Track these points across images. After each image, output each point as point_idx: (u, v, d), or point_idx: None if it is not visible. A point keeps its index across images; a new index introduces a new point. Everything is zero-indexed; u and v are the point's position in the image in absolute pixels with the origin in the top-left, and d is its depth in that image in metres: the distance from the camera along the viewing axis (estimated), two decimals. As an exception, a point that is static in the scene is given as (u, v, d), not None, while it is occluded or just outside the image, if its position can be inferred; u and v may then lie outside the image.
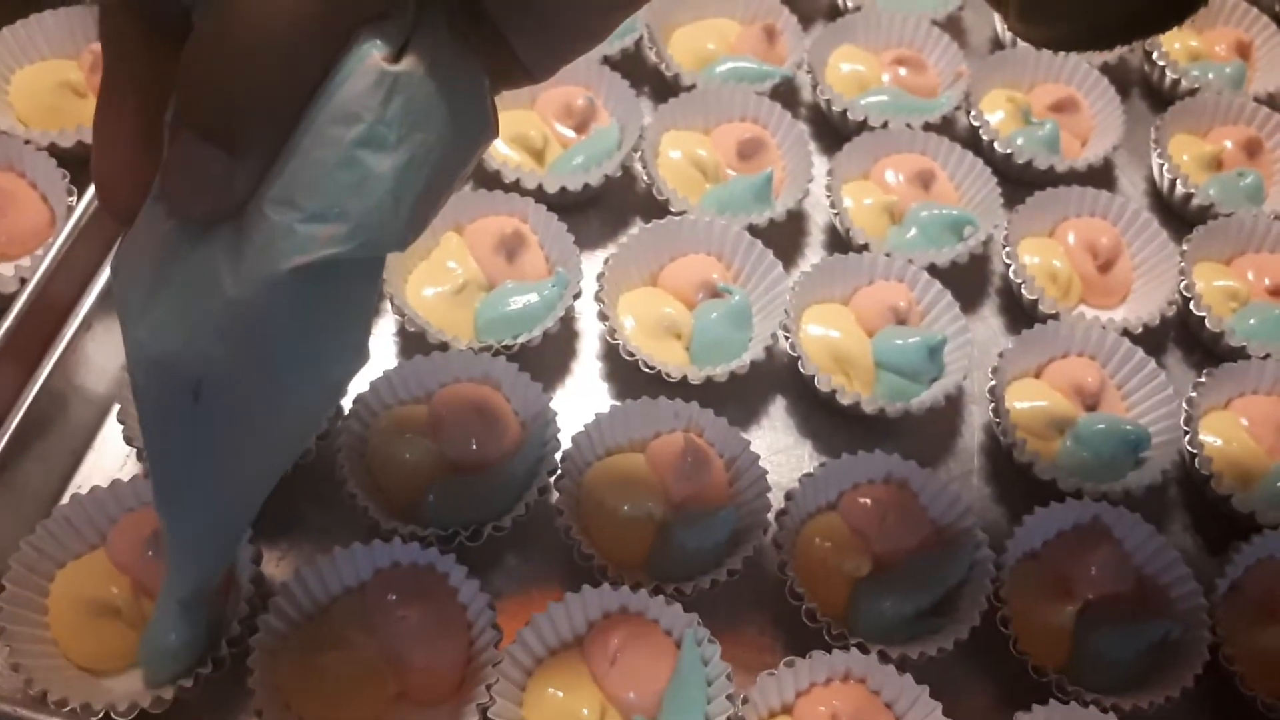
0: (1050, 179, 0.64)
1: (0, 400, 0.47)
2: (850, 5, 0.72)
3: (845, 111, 0.65)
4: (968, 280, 0.61)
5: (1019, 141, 0.65)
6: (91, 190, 0.52)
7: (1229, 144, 0.66)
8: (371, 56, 0.25)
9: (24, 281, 0.50)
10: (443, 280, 0.54)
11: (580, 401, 0.54)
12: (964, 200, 0.63)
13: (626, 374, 0.55)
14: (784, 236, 0.61)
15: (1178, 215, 0.66)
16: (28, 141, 0.56)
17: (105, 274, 0.51)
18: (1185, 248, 0.60)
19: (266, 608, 0.42)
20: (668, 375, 0.52)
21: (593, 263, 0.57)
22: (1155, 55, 0.71)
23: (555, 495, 0.48)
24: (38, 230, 0.55)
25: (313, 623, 0.43)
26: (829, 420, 0.55)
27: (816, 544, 0.48)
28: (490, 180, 0.59)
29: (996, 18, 0.74)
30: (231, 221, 0.27)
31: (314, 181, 0.25)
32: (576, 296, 0.54)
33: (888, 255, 0.57)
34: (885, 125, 0.64)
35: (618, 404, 0.50)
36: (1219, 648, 0.46)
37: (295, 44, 0.25)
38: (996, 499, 0.54)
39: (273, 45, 0.24)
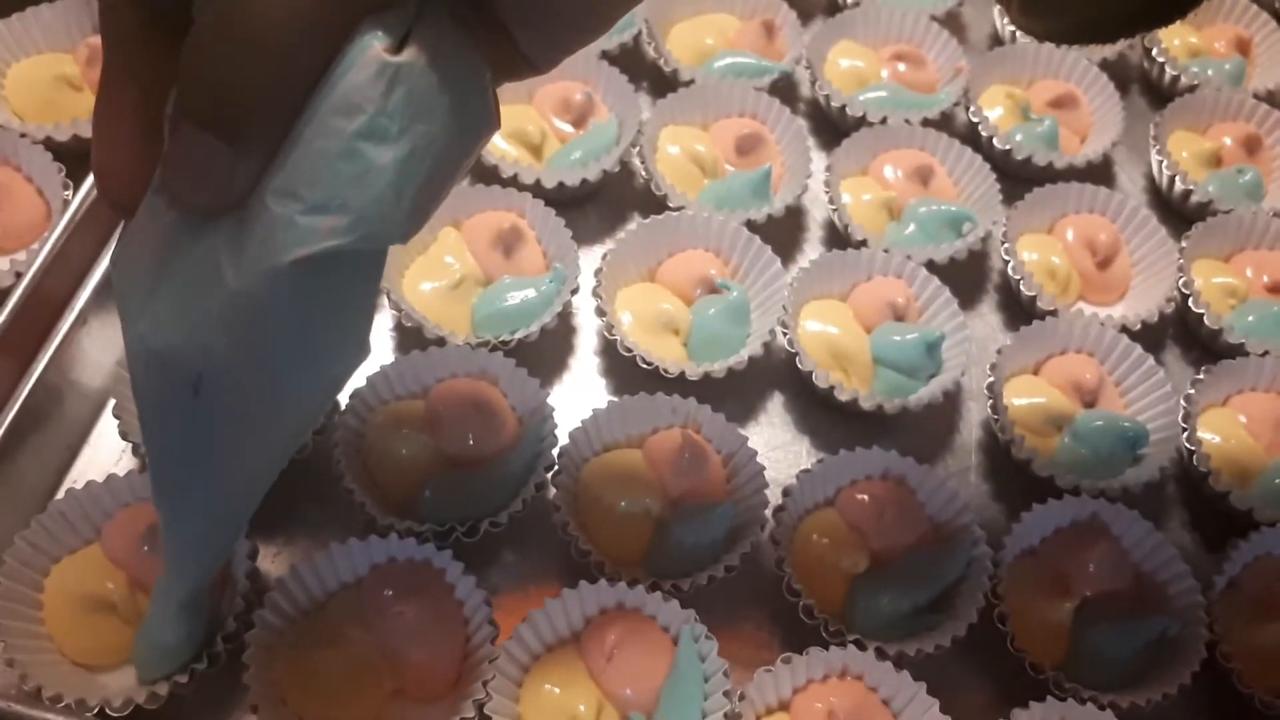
0: (1049, 175, 0.64)
1: (-5, 395, 0.46)
2: (849, 1, 0.72)
3: (844, 107, 0.65)
4: (966, 276, 0.61)
5: (1018, 137, 0.65)
6: (87, 184, 0.52)
7: (1228, 141, 0.66)
8: (373, 48, 0.25)
9: (19, 275, 0.49)
10: (440, 275, 0.54)
11: (578, 397, 0.54)
12: (963, 196, 0.63)
13: (624, 370, 0.55)
14: (782, 232, 0.61)
15: (1177, 212, 0.66)
16: (23, 135, 0.56)
17: (101, 268, 0.51)
18: (1184, 244, 0.60)
19: (263, 604, 0.42)
20: (665, 371, 0.52)
21: (590, 258, 0.57)
22: (1155, 51, 0.71)
23: (552, 491, 0.47)
24: (33, 224, 0.55)
25: (309, 619, 0.43)
26: (827, 416, 0.55)
27: (814, 540, 0.48)
28: (488, 175, 0.59)
29: (996, 12, 0.74)
30: (233, 214, 0.26)
31: (315, 173, 0.25)
32: (574, 292, 0.54)
33: (886, 251, 0.57)
34: (884, 121, 0.64)
35: (615, 400, 0.50)
36: (1216, 645, 0.46)
37: (296, 35, 0.25)
38: (994, 496, 0.54)
39: (274, 36, 0.24)
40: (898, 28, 0.70)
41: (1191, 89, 0.69)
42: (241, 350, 0.27)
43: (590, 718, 0.41)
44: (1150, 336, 0.58)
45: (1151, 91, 0.73)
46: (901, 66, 0.68)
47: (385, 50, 0.25)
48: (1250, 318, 0.58)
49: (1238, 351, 0.57)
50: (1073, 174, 0.64)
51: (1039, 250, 0.60)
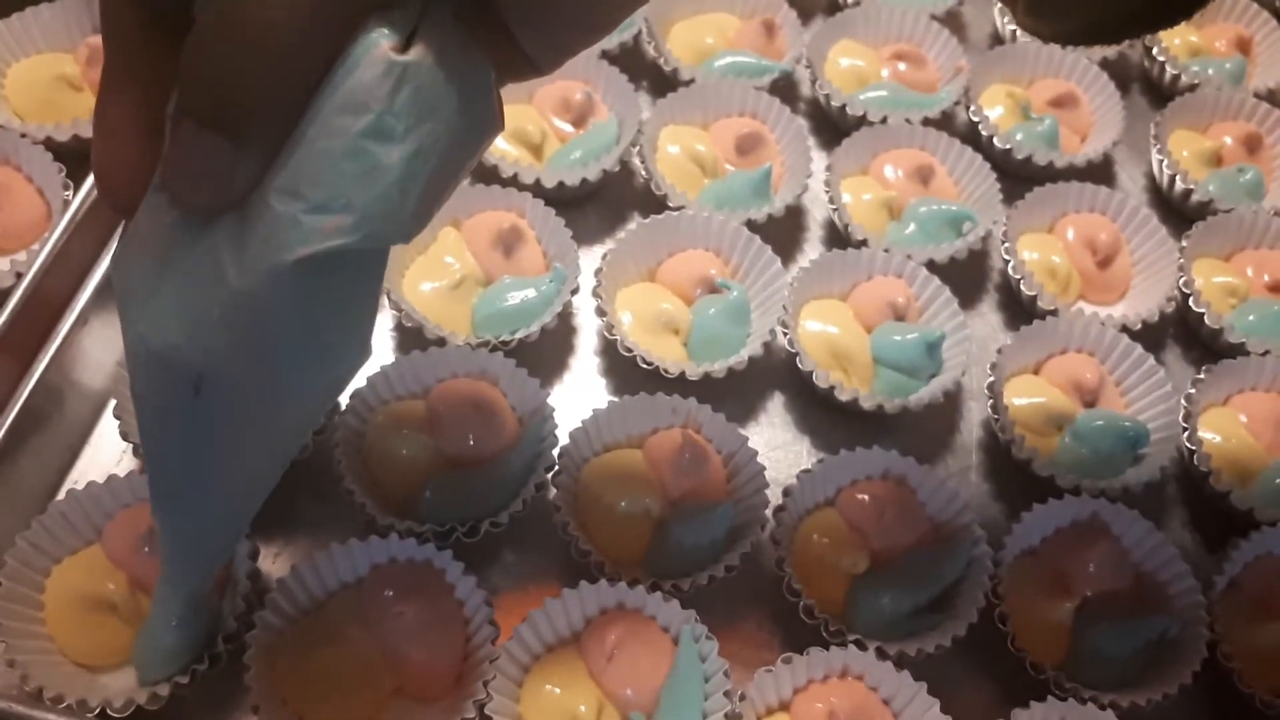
0: (1049, 174, 0.64)
1: (-4, 395, 0.46)
2: (849, 0, 0.71)
3: (844, 106, 0.65)
4: (966, 276, 0.61)
5: (1018, 137, 0.65)
6: (88, 184, 0.52)
7: (1229, 140, 0.66)
8: (380, 46, 0.25)
9: (20, 276, 0.49)
10: (440, 275, 0.54)
11: (578, 397, 0.54)
12: (963, 196, 0.63)
13: (624, 370, 0.55)
14: (782, 232, 0.61)
15: (1177, 211, 0.66)
16: (24, 135, 0.56)
17: (101, 269, 0.51)
18: (1184, 244, 0.60)
19: (263, 604, 0.42)
20: (665, 371, 0.52)
21: (590, 258, 0.57)
22: (1155, 51, 0.71)
23: (553, 491, 0.47)
24: (33, 224, 0.55)
25: (310, 619, 0.43)
26: (827, 416, 0.55)
27: (814, 540, 0.48)
28: (488, 175, 0.59)
29: (997, 11, 0.74)
30: (234, 213, 0.26)
31: (320, 172, 0.25)
32: (574, 292, 0.54)
33: (886, 251, 0.57)
34: (884, 120, 0.64)
35: (615, 400, 0.50)
36: (1217, 645, 0.46)
37: (298, 33, 0.24)
38: (995, 495, 0.54)
39: (275, 34, 0.24)
40: (898, 27, 0.70)
41: (1192, 88, 0.69)
42: (243, 349, 0.27)
43: (591, 718, 0.41)
44: (1151, 336, 0.58)
45: (1152, 90, 0.73)
46: (902, 66, 0.68)
47: (392, 48, 0.25)
48: (1251, 317, 0.58)
49: (1238, 351, 0.57)
50: (1073, 173, 0.64)
51: (1039, 250, 0.60)
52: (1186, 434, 0.53)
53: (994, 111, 0.67)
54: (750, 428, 0.55)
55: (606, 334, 0.53)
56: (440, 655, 0.42)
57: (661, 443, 0.49)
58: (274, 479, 0.33)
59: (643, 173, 0.60)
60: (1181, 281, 0.59)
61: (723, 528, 0.47)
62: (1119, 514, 0.49)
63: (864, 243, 0.58)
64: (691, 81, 0.64)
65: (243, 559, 0.43)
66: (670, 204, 0.59)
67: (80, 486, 0.45)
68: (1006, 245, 0.59)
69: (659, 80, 0.67)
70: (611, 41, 0.65)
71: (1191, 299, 0.58)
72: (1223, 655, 0.46)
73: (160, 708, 0.41)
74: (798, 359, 0.53)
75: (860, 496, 0.49)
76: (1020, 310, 0.60)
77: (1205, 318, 0.58)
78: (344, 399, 0.49)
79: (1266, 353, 0.56)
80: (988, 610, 0.46)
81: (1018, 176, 0.64)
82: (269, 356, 0.28)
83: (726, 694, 0.42)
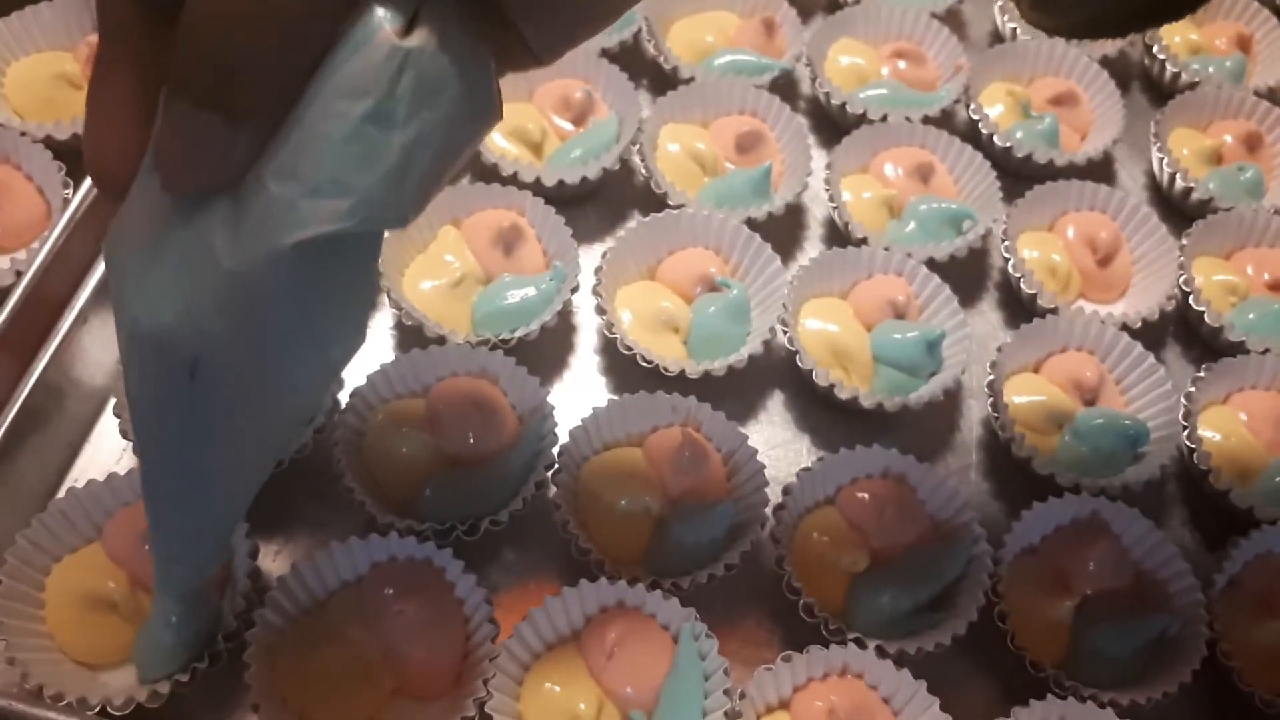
0: (1049, 173, 0.64)
1: (-4, 394, 0.46)
2: (850, -2, 0.72)
3: (844, 105, 0.65)
4: (966, 274, 0.61)
5: (1018, 135, 0.65)
6: (88, 183, 0.52)
7: (1229, 138, 0.66)
8: (383, 30, 0.25)
9: (19, 274, 0.49)
10: (440, 274, 0.54)
11: (578, 396, 0.54)
12: (963, 194, 0.63)
13: (624, 368, 0.55)
14: (782, 230, 0.61)
15: (1177, 209, 0.66)
16: (23, 134, 0.56)
17: (101, 267, 0.51)
18: (1185, 242, 0.60)
19: (263, 603, 0.42)
20: (665, 369, 0.52)
21: (590, 256, 0.57)
22: (1155, 49, 0.71)
23: (552, 490, 0.47)
24: (33, 223, 0.55)
25: (310, 618, 0.43)
26: (827, 415, 0.55)
27: (814, 539, 0.48)
28: (488, 173, 0.59)
29: (997, 9, 0.74)
30: (228, 196, 0.26)
31: (319, 155, 0.25)
32: (574, 290, 0.54)
33: (886, 249, 0.57)
34: (884, 118, 0.64)
35: (615, 398, 0.50)
36: (1217, 643, 0.46)
37: (299, 11, 0.24)
38: (995, 494, 0.54)
39: (275, 11, 0.24)
40: (898, 25, 0.70)
41: (1192, 86, 0.69)
42: (239, 332, 0.27)
43: (591, 716, 0.41)
44: (1151, 334, 0.58)
45: (1152, 89, 0.73)
46: (902, 64, 0.68)
47: (395, 33, 0.25)
48: (1251, 315, 0.58)
49: (1238, 349, 0.57)
50: (1073, 171, 0.64)
51: (1039, 248, 0.60)
52: (1186, 432, 0.53)
53: (994, 110, 0.66)
54: (750, 426, 0.55)
55: (606, 332, 0.53)
56: (440, 653, 0.42)
57: (661, 441, 0.49)
58: (267, 471, 0.33)
59: (643, 171, 0.60)
60: (1181, 280, 0.59)
61: (722, 526, 0.47)
62: (1119, 512, 0.49)
63: (864, 241, 0.58)
64: (691, 80, 0.64)
65: (243, 558, 0.43)
66: (670, 202, 0.59)
67: (80, 484, 0.45)
68: (1006, 243, 0.59)
69: (659, 78, 0.67)
70: (611, 40, 0.65)
71: (1191, 297, 0.58)
72: (1222, 654, 0.46)
73: (160, 706, 0.41)
74: (798, 357, 0.53)
75: (860, 495, 0.49)
76: (1020, 308, 0.60)
77: (1205, 316, 0.58)
78: (344, 397, 0.49)
79: (1266, 351, 0.56)
80: (987, 609, 0.46)
81: (1018, 175, 0.64)
82: (264, 339, 0.27)
83: (726, 692, 0.42)
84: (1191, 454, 0.53)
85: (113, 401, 0.49)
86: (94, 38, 0.61)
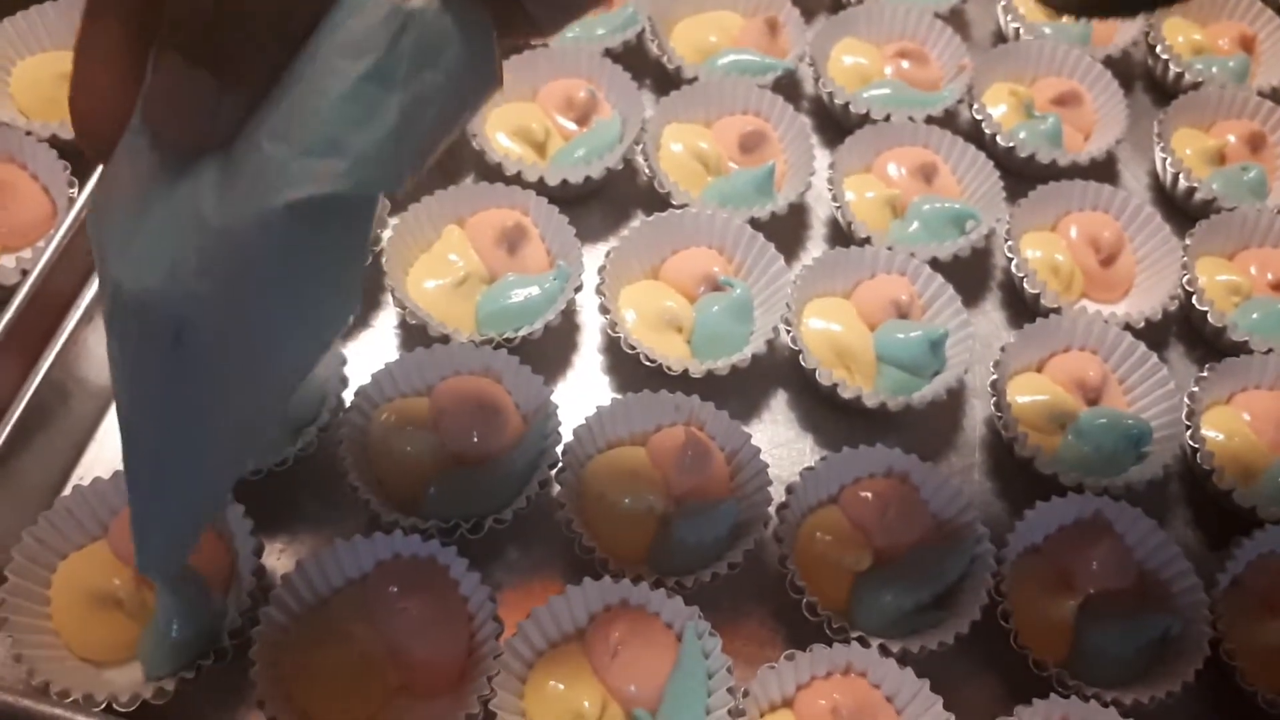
0: (1053, 173, 0.64)
1: (2, 392, 0.47)
2: (853, -2, 0.72)
3: (847, 104, 0.65)
4: (969, 274, 0.61)
5: (1021, 135, 0.65)
6: (93, 182, 0.52)
7: (1232, 138, 0.66)
8: None
9: (25, 273, 0.50)
10: (444, 273, 0.54)
11: (581, 394, 0.54)
12: (966, 194, 0.63)
13: (627, 367, 0.55)
14: (785, 230, 0.61)
15: (1180, 210, 0.66)
16: (29, 133, 0.56)
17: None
18: (1188, 242, 0.60)
19: (268, 600, 0.42)
20: (669, 369, 0.52)
21: (594, 256, 0.57)
22: (1159, 49, 0.71)
23: (556, 488, 0.48)
24: (39, 222, 0.55)
25: (314, 615, 0.43)
26: (830, 414, 0.55)
27: (817, 538, 0.48)
28: (491, 173, 0.59)
29: (1000, 9, 0.74)
30: (217, 156, 0.25)
31: (315, 114, 0.24)
32: (578, 289, 0.54)
33: (889, 249, 0.57)
34: (887, 118, 0.64)
35: (619, 397, 0.50)
36: (1220, 643, 0.46)
37: None
38: (998, 493, 0.54)
39: None
40: (901, 25, 0.70)
41: (1196, 86, 0.69)
42: (226, 295, 0.26)
43: (595, 714, 0.41)
44: (1154, 334, 0.58)
45: (1155, 89, 0.73)
46: (905, 64, 0.68)
47: None
48: (1254, 315, 0.58)
49: (1241, 349, 0.57)
50: (1076, 171, 0.64)
51: (1042, 248, 0.60)
52: (1189, 432, 0.53)
53: (997, 109, 0.67)
54: (753, 425, 0.55)
55: (610, 331, 0.54)
56: (444, 651, 0.43)
57: (665, 440, 0.49)
58: (254, 446, 0.32)
59: (646, 171, 0.60)
60: (1185, 280, 0.59)
61: (726, 525, 0.47)
62: (1122, 512, 0.49)
63: (867, 241, 0.58)
64: (695, 80, 0.64)
65: (248, 555, 0.43)
66: (673, 202, 0.59)
67: (86, 482, 0.45)
68: (1010, 243, 0.59)
69: (662, 78, 0.67)
70: (615, 39, 0.66)
71: (1195, 297, 0.58)
72: (1225, 653, 0.46)
73: (166, 703, 0.41)
74: (801, 357, 0.53)
75: (863, 494, 0.49)
76: (1023, 308, 0.61)
77: (1208, 316, 0.58)
78: (348, 396, 0.49)
79: (1269, 351, 0.56)
80: (990, 608, 0.46)
81: (1021, 175, 0.64)
82: (252, 303, 0.26)
83: (730, 690, 0.42)
84: (1194, 454, 0.53)
85: (118, 400, 0.49)
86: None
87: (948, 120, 0.66)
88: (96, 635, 0.43)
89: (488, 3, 0.28)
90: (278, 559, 0.48)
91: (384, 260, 0.53)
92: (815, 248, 0.62)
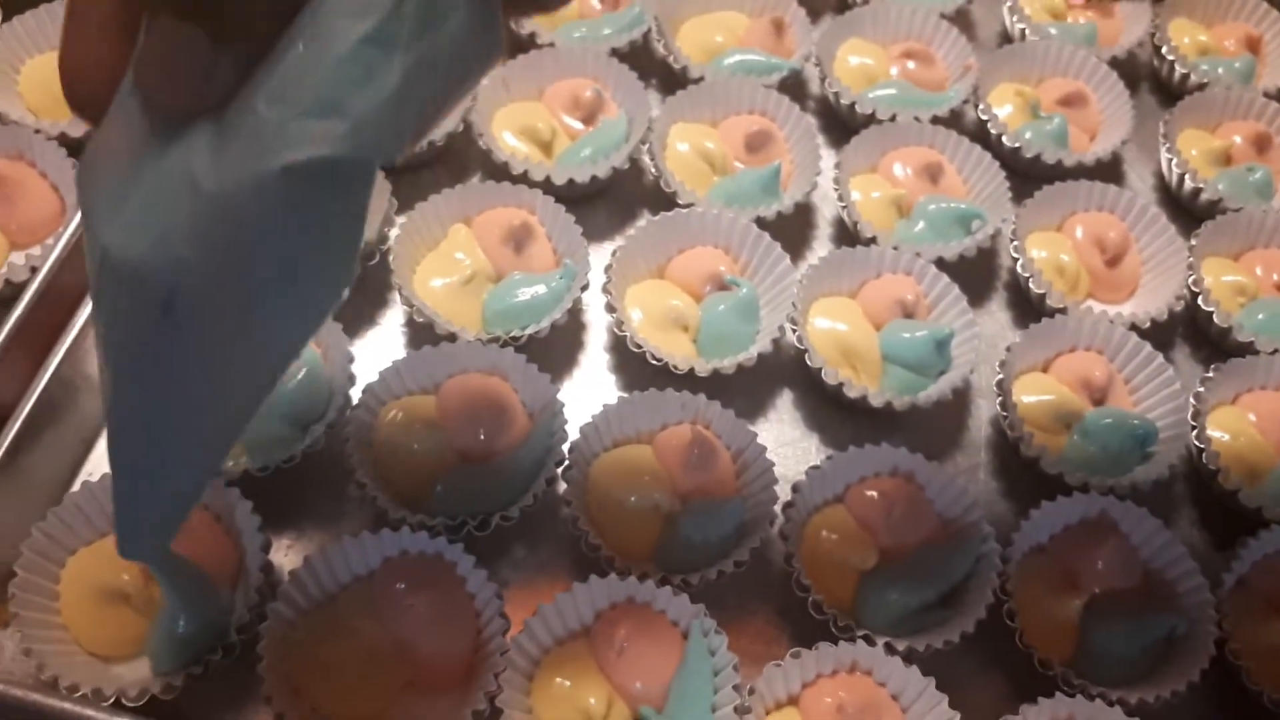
0: (1058, 173, 0.64)
1: (11, 388, 0.47)
2: (859, -2, 0.72)
3: (853, 104, 0.65)
4: (975, 274, 0.61)
5: (1027, 135, 0.65)
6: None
7: (1238, 139, 0.66)
8: None
9: (34, 270, 0.50)
10: (451, 271, 0.54)
11: (588, 393, 0.55)
12: (972, 194, 0.63)
13: (634, 366, 0.55)
14: (791, 229, 0.61)
15: (1186, 210, 0.66)
16: (38, 131, 0.56)
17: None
18: (1194, 243, 0.60)
19: (276, 596, 0.42)
20: (675, 367, 0.52)
21: (600, 255, 0.57)
22: (1164, 50, 0.71)
23: (563, 486, 0.48)
24: (48, 219, 0.55)
25: (322, 611, 0.44)
26: (836, 413, 0.55)
27: (823, 536, 0.48)
28: (498, 172, 0.59)
29: (1005, 10, 0.74)
30: (211, 119, 0.25)
31: (314, 76, 0.23)
32: (584, 288, 0.54)
33: (895, 248, 0.57)
34: (893, 118, 0.64)
35: (625, 395, 0.50)
36: (1225, 642, 0.46)
37: None
38: (1003, 493, 0.54)
39: None
40: (907, 25, 0.70)
41: (1201, 87, 0.69)
42: (218, 264, 0.25)
43: (601, 711, 0.41)
44: (1159, 334, 0.58)
45: (1161, 89, 0.73)
46: (911, 64, 0.68)
47: None
48: (1260, 316, 0.58)
49: (1247, 350, 0.57)
50: (1082, 172, 0.64)
51: (1048, 248, 0.60)
52: (1195, 432, 0.53)
53: (1003, 110, 0.67)
54: (759, 424, 0.55)
55: (616, 330, 0.54)
56: (451, 647, 0.43)
57: (671, 438, 0.49)
58: (243, 424, 0.30)
59: (652, 170, 0.60)
60: (1190, 280, 0.59)
61: (732, 523, 0.47)
62: (1128, 512, 0.49)
63: (873, 240, 0.59)
64: (701, 79, 0.64)
65: (255, 552, 0.43)
66: (680, 201, 0.59)
67: (95, 479, 0.45)
68: (1015, 243, 0.59)
69: (668, 78, 0.67)
70: (621, 39, 0.66)
71: (1200, 298, 0.58)
72: (1231, 653, 0.46)
73: (174, 697, 0.41)
74: (807, 356, 0.53)
75: (869, 493, 0.49)
76: (1029, 308, 0.61)
77: (1214, 316, 0.58)
78: (355, 394, 0.49)
79: (1275, 351, 0.56)
80: (996, 607, 0.46)
81: (1026, 175, 0.64)
82: (244, 270, 0.25)
83: (736, 688, 0.42)
84: (1200, 454, 0.53)
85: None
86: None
87: (953, 120, 0.66)
88: (105, 630, 0.43)
89: None
90: (285, 555, 0.48)
91: (391, 258, 0.53)
92: (821, 247, 0.63)
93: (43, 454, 0.47)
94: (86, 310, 0.50)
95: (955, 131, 0.63)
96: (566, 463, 0.48)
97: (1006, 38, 0.74)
